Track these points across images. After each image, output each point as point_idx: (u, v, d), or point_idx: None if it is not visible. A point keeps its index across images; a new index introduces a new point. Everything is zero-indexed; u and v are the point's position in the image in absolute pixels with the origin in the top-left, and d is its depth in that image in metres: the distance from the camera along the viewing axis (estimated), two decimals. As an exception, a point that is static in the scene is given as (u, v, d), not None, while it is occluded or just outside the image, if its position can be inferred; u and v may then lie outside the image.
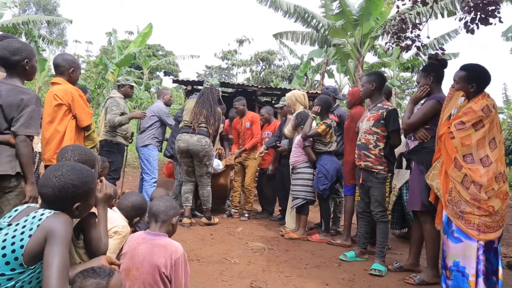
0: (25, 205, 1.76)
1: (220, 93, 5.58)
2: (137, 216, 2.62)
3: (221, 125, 5.97)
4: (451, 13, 8.20)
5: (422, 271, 3.61)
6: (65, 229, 1.58)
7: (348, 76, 13.63)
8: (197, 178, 5.36)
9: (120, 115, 5.33)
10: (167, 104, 6.40)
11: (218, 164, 5.89)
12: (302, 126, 4.98)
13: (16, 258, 1.52)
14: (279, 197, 6.14)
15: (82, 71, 23.16)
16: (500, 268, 2.98)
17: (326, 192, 4.82)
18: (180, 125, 5.40)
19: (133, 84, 5.78)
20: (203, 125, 5.20)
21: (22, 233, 1.55)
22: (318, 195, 5.00)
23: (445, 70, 3.68)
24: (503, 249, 4.73)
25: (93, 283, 1.66)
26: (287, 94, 5.56)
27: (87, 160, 2.06)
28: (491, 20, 3.68)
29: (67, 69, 3.44)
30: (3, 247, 1.53)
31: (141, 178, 6.16)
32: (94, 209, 1.99)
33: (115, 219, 2.42)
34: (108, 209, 2.55)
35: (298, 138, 5.03)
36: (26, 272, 1.54)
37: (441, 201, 3.14)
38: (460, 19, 3.84)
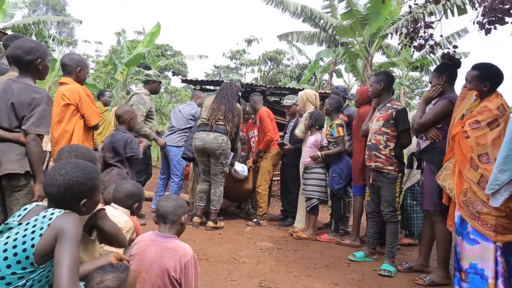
0: (34, 204, 1.77)
1: (240, 88, 5.37)
2: (135, 203, 2.64)
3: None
4: (461, 12, 8.11)
5: (432, 271, 3.58)
6: (76, 228, 1.58)
7: (356, 76, 13.55)
8: (211, 176, 5.22)
9: (146, 114, 5.19)
10: (200, 106, 6.19)
11: (243, 170, 5.62)
12: (317, 127, 4.96)
13: (27, 257, 1.52)
14: (282, 198, 6.11)
15: (92, 71, 23.35)
16: None
17: (341, 192, 4.83)
18: (198, 123, 5.26)
19: (162, 80, 5.65)
20: (221, 122, 5.05)
21: (33, 232, 1.56)
22: (331, 195, 4.97)
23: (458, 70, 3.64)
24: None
25: (114, 277, 1.69)
26: (299, 93, 5.51)
27: (85, 160, 2.05)
28: (507, 19, 3.64)
29: (74, 69, 3.44)
30: (14, 246, 1.54)
31: (163, 177, 6.06)
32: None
33: (116, 216, 2.43)
34: (109, 206, 2.57)
35: (313, 138, 4.98)
36: (36, 271, 1.55)
37: (454, 202, 3.10)
38: (479, 24, 3.78)
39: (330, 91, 6.37)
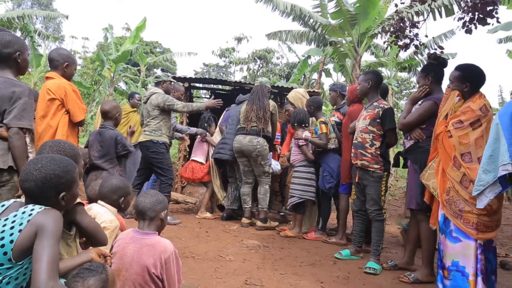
0: (12, 200, 1.73)
1: (270, 88, 5.61)
2: (120, 197, 2.57)
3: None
4: (449, 13, 8.20)
5: (416, 269, 3.61)
6: (56, 224, 1.55)
7: (345, 75, 13.61)
8: (256, 177, 5.44)
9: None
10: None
11: (277, 164, 5.82)
12: (296, 124, 4.97)
13: (5, 253, 1.49)
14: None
15: (79, 67, 23.05)
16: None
17: (332, 191, 4.79)
18: (237, 127, 5.49)
19: (173, 80, 5.68)
20: (254, 124, 5.25)
21: (12, 228, 1.53)
22: (322, 193, 4.94)
23: (444, 69, 3.68)
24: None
25: (96, 280, 1.66)
26: (291, 96, 5.59)
27: (67, 156, 1.98)
28: (489, 20, 3.69)
29: (61, 64, 3.38)
30: None
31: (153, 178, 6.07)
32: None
33: (102, 214, 2.38)
34: (95, 204, 2.52)
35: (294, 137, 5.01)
36: (14, 267, 1.52)
37: (437, 200, 3.14)
38: (459, 19, 3.84)
39: (319, 90, 6.42)
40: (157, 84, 5.53)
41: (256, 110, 5.25)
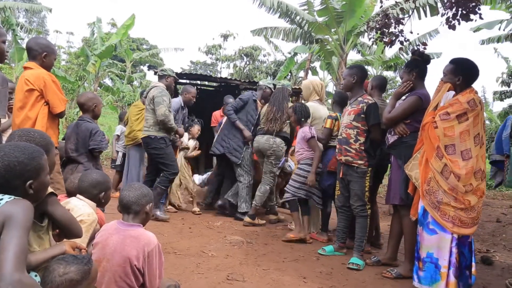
0: None
1: (291, 91, 5.76)
2: (101, 192, 2.50)
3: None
4: (433, 12, 8.26)
5: (399, 265, 3.63)
6: (25, 214, 1.48)
7: (331, 73, 13.64)
8: (262, 174, 5.52)
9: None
10: (187, 103, 5.85)
11: (289, 165, 5.89)
12: (303, 119, 4.69)
13: None
14: None
15: (63, 63, 22.70)
16: (474, 264, 3.02)
17: (331, 190, 4.53)
18: (258, 128, 5.61)
19: (177, 78, 5.53)
20: (272, 125, 5.35)
21: None
22: (322, 193, 4.67)
23: (428, 66, 3.69)
24: (477, 244, 4.79)
25: (77, 269, 1.63)
26: (304, 82, 5.62)
27: (38, 145, 1.85)
28: (472, 16, 3.71)
29: (39, 53, 3.27)
30: None
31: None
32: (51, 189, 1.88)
33: (79, 208, 2.32)
34: (73, 198, 2.46)
35: (300, 133, 4.67)
36: None
37: (418, 192, 3.16)
38: (442, 15, 3.86)
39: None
40: (161, 77, 5.30)
41: (275, 112, 5.36)
